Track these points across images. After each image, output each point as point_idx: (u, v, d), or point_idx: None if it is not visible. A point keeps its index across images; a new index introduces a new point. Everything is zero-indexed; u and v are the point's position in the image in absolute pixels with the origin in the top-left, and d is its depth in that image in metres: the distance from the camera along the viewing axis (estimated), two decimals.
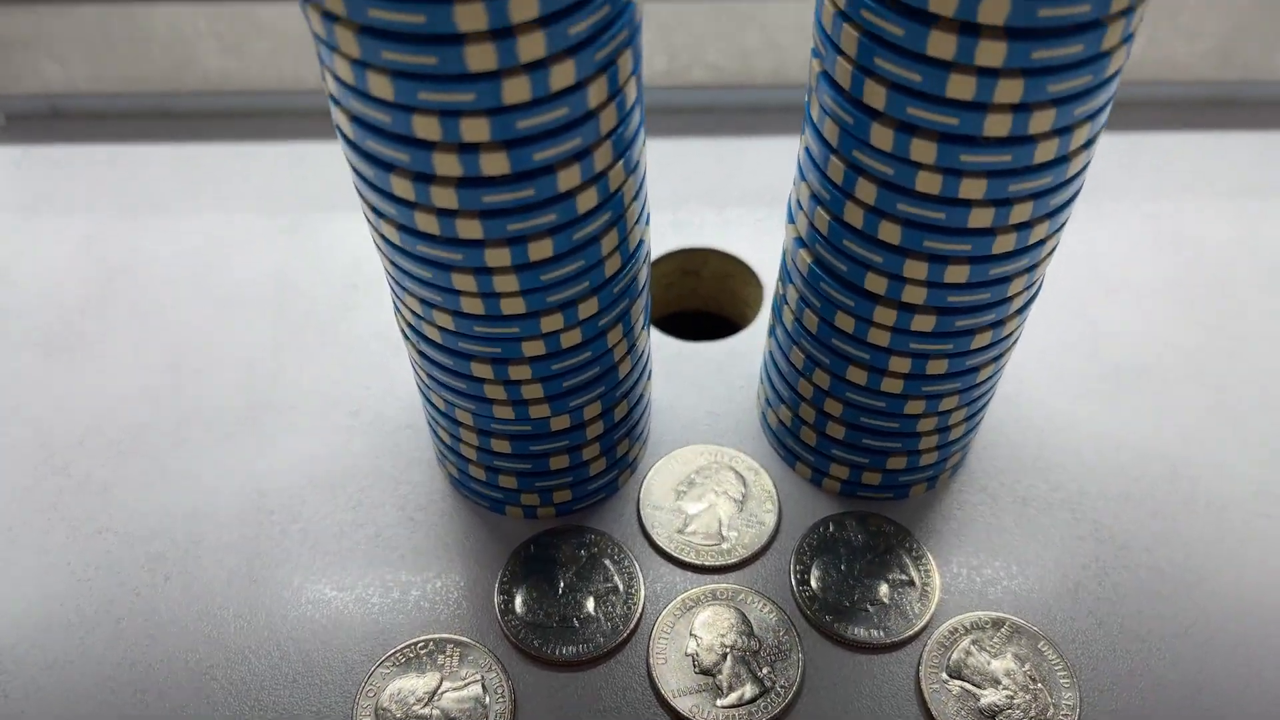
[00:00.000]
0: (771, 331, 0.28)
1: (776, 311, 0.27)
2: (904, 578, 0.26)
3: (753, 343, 0.32)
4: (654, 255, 0.34)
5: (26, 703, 0.24)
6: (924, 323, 0.23)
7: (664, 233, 0.34)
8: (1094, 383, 0.31)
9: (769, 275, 0.33)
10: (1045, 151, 0.20)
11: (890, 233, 0.21)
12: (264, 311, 0.32)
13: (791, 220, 0.25)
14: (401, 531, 0.27)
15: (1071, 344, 0.31)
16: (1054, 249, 0.23)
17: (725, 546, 0.27)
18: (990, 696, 0.24)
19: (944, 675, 0.25)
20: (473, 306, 0.21)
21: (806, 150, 0.23)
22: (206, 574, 0.26)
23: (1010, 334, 0.24)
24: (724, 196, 0.35)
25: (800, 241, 0.24)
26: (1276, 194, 0.35)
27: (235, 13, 0.34)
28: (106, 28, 0.35)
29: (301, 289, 0.33)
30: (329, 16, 0.17)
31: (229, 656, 0.25)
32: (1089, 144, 0.21)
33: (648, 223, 0.23)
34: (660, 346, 0.32)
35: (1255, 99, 0.38)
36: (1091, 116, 0.20)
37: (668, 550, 0.27)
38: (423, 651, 0.25)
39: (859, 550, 0.27)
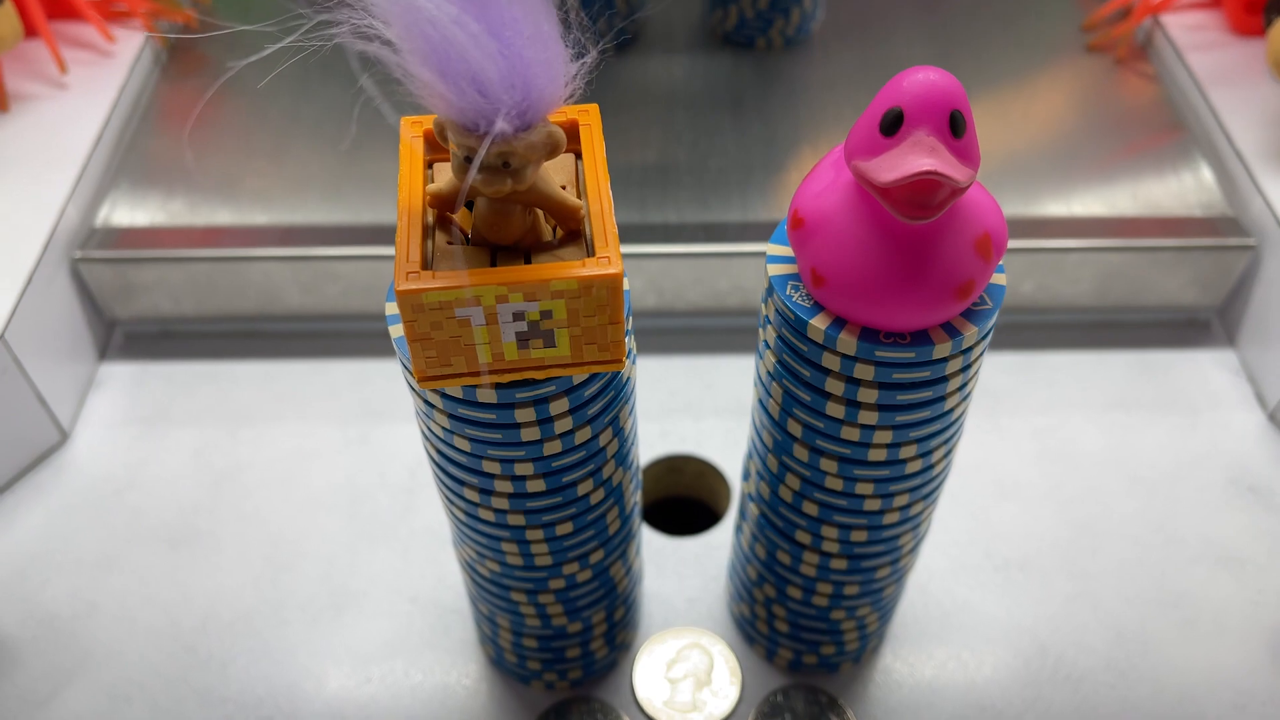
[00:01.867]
0: (736, 536, 0.36)
1: (738, 528, 0.36)
2: None
3: (723, 537, 0.41)
4: (647, 459, 0.43)
5: None
6: (839, 563, 0.32)
7: (653, 441, 0.43)
8: (987, 574, 0.39)
9: (735, 474, 0.42)
10: (913, 466, 0.29)
11: (811, 509, 0.30)
12: (339, 513, 0.41)
13: (745, 478, 0.34)
14: (451, 696, 0.36)
15: (971, 541, 0.40)
16: (929, 517, 0.32)
17: (699, 717, 0.35)
18: None
19: None
20: (514, 560, 0.30)
21: (751, 443, 0.32)
22: None
23: (905, 565, 0.33)
24: (701, 409, 0.44)
25: (751, 497, 0.33)
26: (1140, 408, 0.44)
27: (314, 267, 0.44)
28: (213, 275, 0.44)
29: (369, 493, 0.42)
30: (430, 404, 0.26)
31: None
32: (947, 454, 0.30)
33: (639, 488, 0.32)
34: (650, 540, 0.40)
35: (1129, 322, 0.47)
36: (945, 441, 0.29)
37: (656, 715, 0.35)
38: None
39: (800, 714, 0.36)
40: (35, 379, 0.40)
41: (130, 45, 0.50)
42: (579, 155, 0.26)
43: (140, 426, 0.44)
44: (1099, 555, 0.40)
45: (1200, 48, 0.51)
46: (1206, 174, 0.47)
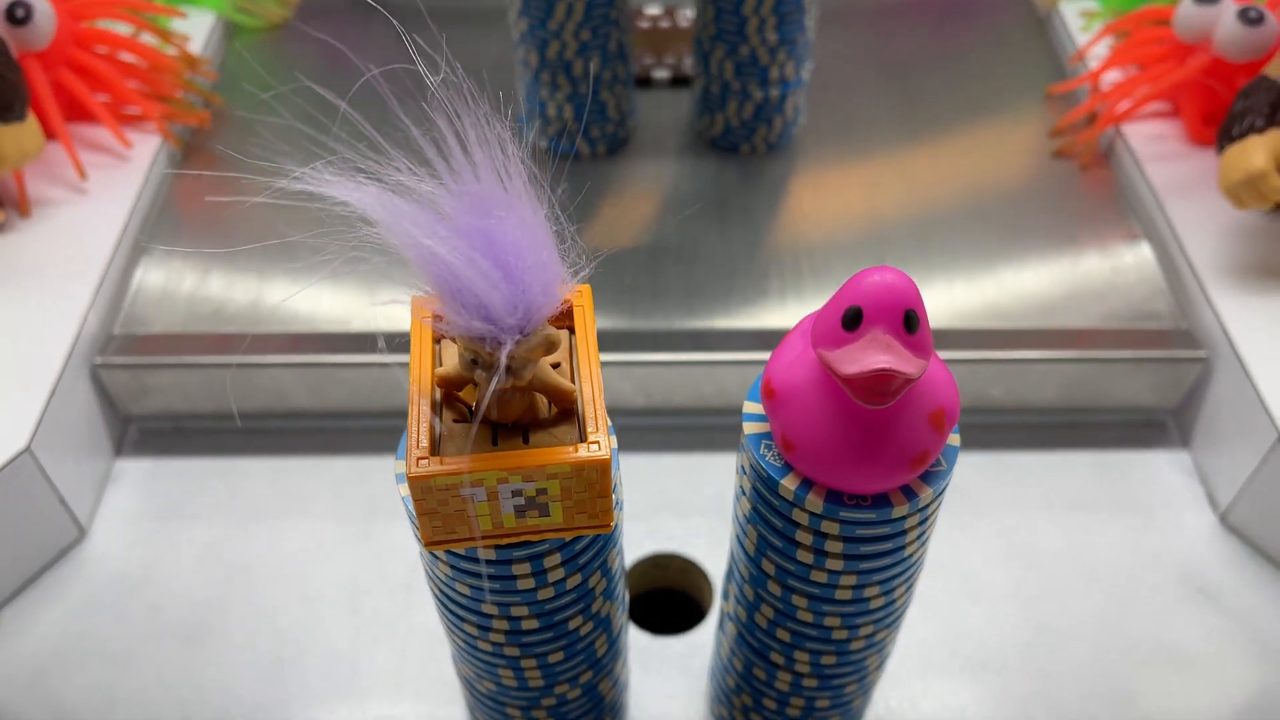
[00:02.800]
0: (717, 642, 0.39)
1: (720, 630, 0.38)
2: None
3: (705, 636, 0.43)
4: (634, 557, 0.45)
5: None
6: (810, 682, 0.34)
7: (641, 539, 0.46)
8: (954, 673, 0.42)
9: (717, 571, 0.44)
10: (876, 601, 0.31)
11: (784, 635, 0.33)
12: (343, 609, 0.43)
13: (725, 598, 0.36)
14: None
15: (940, 640, 0.43)
16: (893, 639, 0.34)
17: None
18: None
19: None
20: (509, 682, 0.33)
21: (731, 567, 0.34)
22: None
23: (872, 681, 0.36)
24: (686, 507, 0.47)
25: (729, 617, 0.36)
26: (1099, 508, 0.47)
27: (321, 372, 0.46)
28: (225, 378, 0.46)
29: (370, 589, 0.44)
30: (435, 556, 0.29)
31: None
32: (908, 588, 0.32)
33: (626, 610, 0.35)
34: (636, 639, 0.43)
35: (1090, 423, 0.50)
36: (906, 580, 0.31)
37: None
38: None
39: None
40: (56, 481, 0.43)
41: (146, 148, 0.53)
42: (572, 330, 0.29)
43: (155, 522, 0.46)
44: (1057, 654, 0.42)
45: (1159, 158, 0.54)
46: (1163, 283, 0.50)
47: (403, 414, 0.48)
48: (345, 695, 0.41)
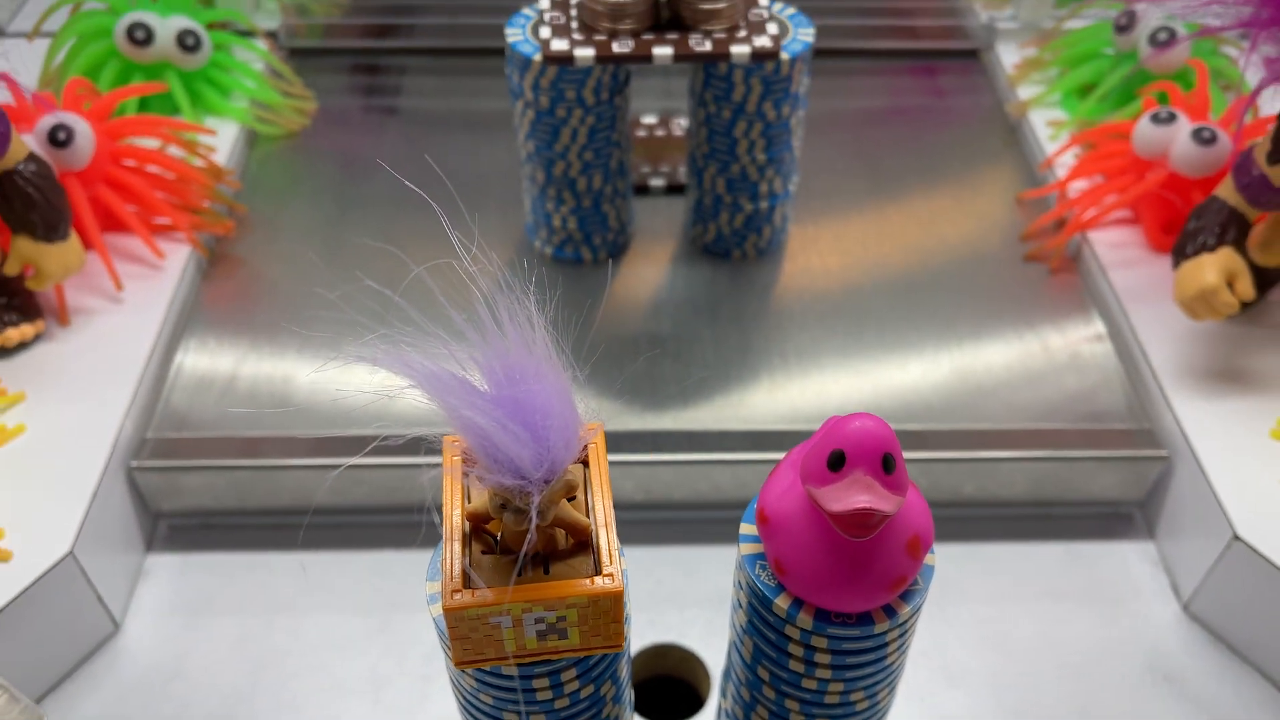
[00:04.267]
0: None
1: None
2: None
3: None
4: (636, 647, 0.48)
5: None
6: None
7: (643, 630, 0.49)
8: None
9: (714, 663, 0.47)
10: (861, 704, 0.34)
11: None
12: (365, 700, 0.46)
13: (724, 695, 0.39)
14: None
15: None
16: None
17: None
18: None
19: None
20: None
21: (729, 668, 0.37)
22: None
23: None
24: (684, 599, 0.50)
25: (728, 714, 0.39)
26: (1069, 598, 0.50)
27: (345, 475, 0.50)
28: (252, 479, 0.50)
29: (390, 680, 0.47)
30: (462, 670, 0.32)
31: None
32: (890, 690, 0.35)
33: (632, 708, 0.38)
34: None
35: (1059, 515, 0.53)
36: (888, 683, 0.35)
37: None
38: None
39: None
40: (94, 580, 0.46)
41: (176, 257, 0.57)
42: (586, 464, 0.32)
43: (185, 615, 0.49)
44: None
45: (1121, 264, 0.58)
46: (1126, 384, 0.53)
47: (419, 509, 0.52)
48: None
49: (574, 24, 0.51)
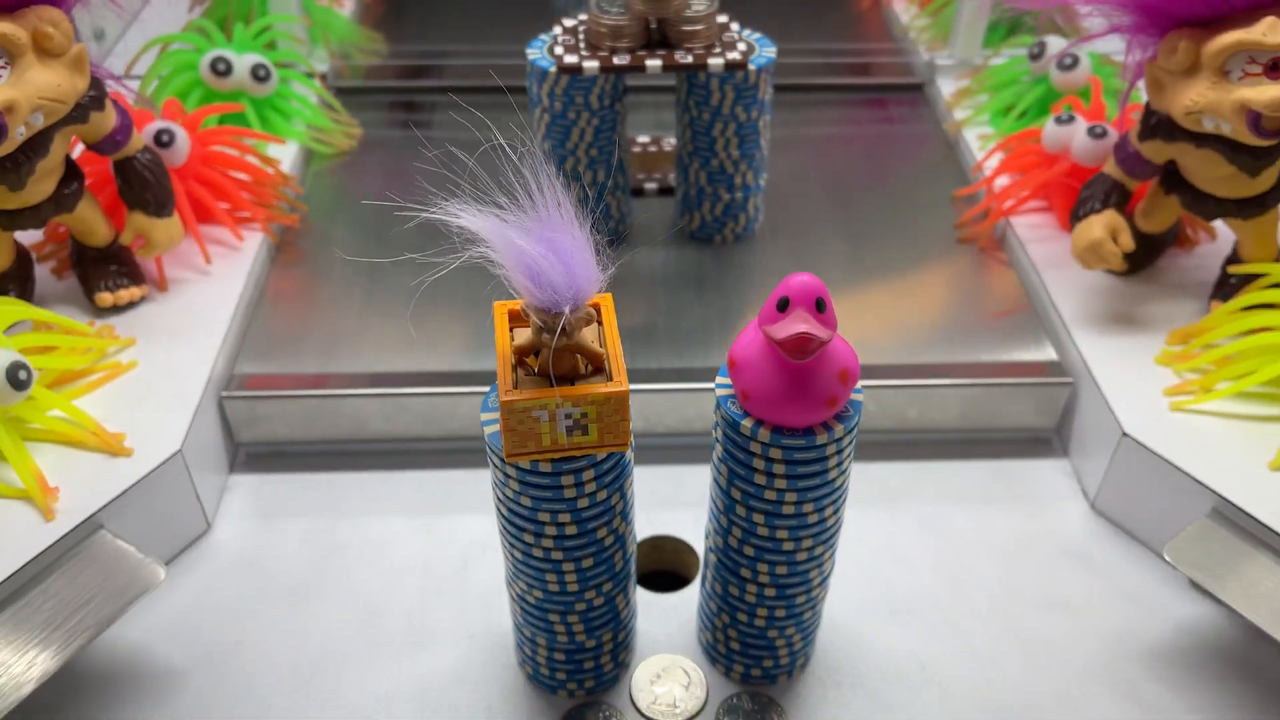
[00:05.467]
0: (701, 586, 0.52)
1: (703, 581, 0.51)
2: None
3: (692, 593, 0.56)
4: (639, 538, 0.58)
5: None
6: (770, 592, 0.47)
7: (643, 527, 0.59)
8: (884, 616, 0.55)
9: (701, 548, 0.57)
10: (812, 518, 0.45)
11: (749, 551, 0.46)
12: (414, 577, 0.56)
13: (706, 537, 0.49)
14: (499, 701, 0.50)
15: (873, 593, 0.56)
16: (830, 559, 0.47)
17: (679, 710, 0.50)
18: None
19: None
20: (553, 587, 0.45)
21: (710, 512, 0.48)
22: None
23: (818, 595, 0.49)
24: (675, 503, 0.60)
25: (710, 550, 0.49)
26: (997, 501, 0.61)
27: (394, 402, 0.60)
28: (317, 408, 0.60)
29: (434, 564, 0.57)
30: (507, 475, 0.42)
31: None
32: (836, 510, 0.45)
33: (634, 551, 0.48)
34: (642, 595, 0.55)
35: (989, 439, 0.64)
36: (833, 501, 0.45)
37: (647, 714, 0.50)
38: None
39: (749, 711, 0.50)
40: (195, 479, 0.56)
41: (252, 241, 0.68)
42: (600, 322, 0.43)
43: (262, 520, 0.59)
44: (965, 604, 0.55)
45: (1038, 241, 0.69)
46: (1041, 331, 0.65)
47: (458, 438, 0.62)
48: (418, 638, 0.53)
49: (581, 44, 0.64)
